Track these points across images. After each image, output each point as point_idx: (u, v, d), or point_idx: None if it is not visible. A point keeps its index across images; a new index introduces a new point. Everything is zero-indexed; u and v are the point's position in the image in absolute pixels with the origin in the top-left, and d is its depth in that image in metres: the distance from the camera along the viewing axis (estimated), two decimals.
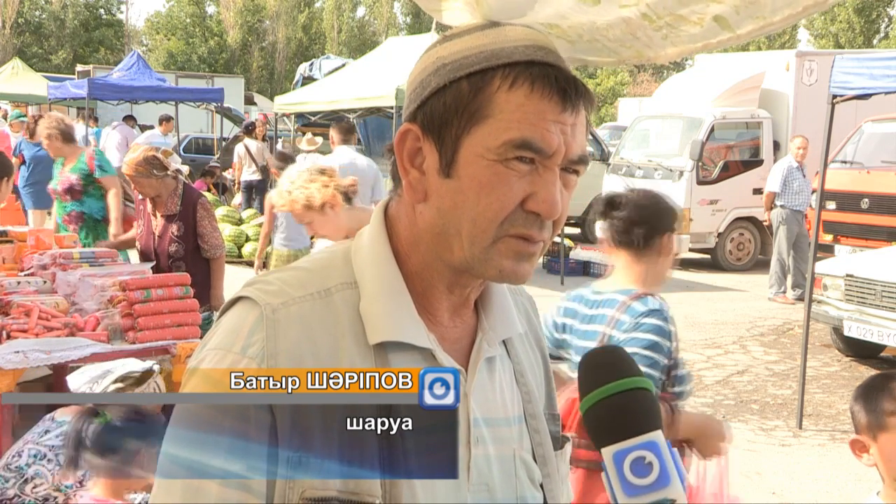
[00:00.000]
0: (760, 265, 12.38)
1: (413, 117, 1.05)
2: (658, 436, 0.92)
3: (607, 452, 0.93)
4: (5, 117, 25.98)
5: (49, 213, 11.06)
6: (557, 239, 10.61)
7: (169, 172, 5.16)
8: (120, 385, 3.45)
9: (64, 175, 6.35)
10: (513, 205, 1.00)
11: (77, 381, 3.48)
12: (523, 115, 1.00)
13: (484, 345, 1.11)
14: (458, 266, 1.05)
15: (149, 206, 5.22)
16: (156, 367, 3.67)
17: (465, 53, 1.03)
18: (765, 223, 11.52)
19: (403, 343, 1.05)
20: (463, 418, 1.06)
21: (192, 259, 5.17)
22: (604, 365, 0.99)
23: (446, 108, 1.02)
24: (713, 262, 12.75)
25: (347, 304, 1.05)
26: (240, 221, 12.70)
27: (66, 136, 6.43)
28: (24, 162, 11.04)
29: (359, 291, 1.06)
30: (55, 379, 5.21)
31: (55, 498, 3.04)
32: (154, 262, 5.12)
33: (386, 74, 11.08)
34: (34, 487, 3.05)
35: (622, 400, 0.95)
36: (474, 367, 1.10)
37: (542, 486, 1.14)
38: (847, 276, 7.33)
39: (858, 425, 2.17)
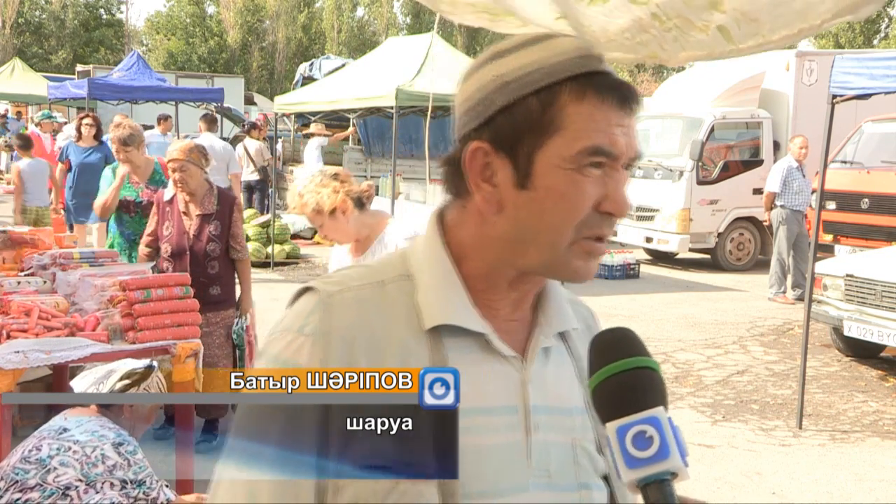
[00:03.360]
0: (760, 265, 12.38)
1: (478, 134, 1.10)
2: (660, 412, 0.95)
3: (611, 427, 0.96)
4: (14, 115, 26.01)
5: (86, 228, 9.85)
6: None
7: (206, 170, 5.14)
8: (126, 381, 3.49)
9: (139, 187, 5.81)
10: (588, 209, 1.06)
11: (82, 385, 3.50)
12: (593, 123, 1.06)
13: (541, 337, 1.15)
14: (530, 269, 1.11)
15: (180, 204, 5.14)
16: (155, 364, 3.71)
17: (527, 70, 1.08)
18: (765, 223, 11.52)
19: (458, 328, 1.09)
20: (521, 405, 1.10)
21: (223, 259, 5.18)
22: (612, 345, 1.02)
23: (517, 125, 1.07)
24: (713, 262, 12.75)
25: (402, 293, 1.11)
26: None
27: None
28: (70, 168, 9.71)
29: (413, 283, 1.12)
30: (55, 379, 5.22)
31: (77, 487, 3.07)
32: (165, 266, 5.09)
33: (386, 74, 11.07)
34: (56, 477, 3.08)
35: (627, 377, 0.98)
36: (532, 356, 1.13)
37: (607, 478, 1.16)
38: (847, 276, 7.34)
39: None
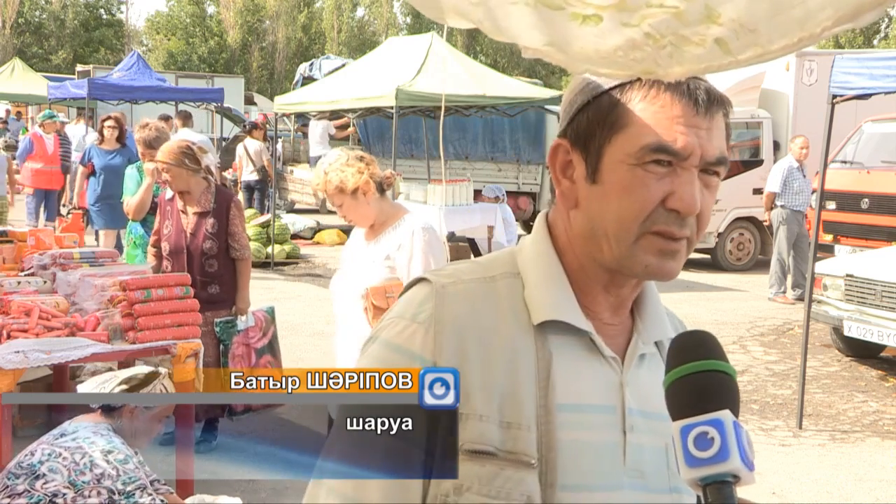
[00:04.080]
0: (760, 265, 12.37)
1: (564, 133, 1.16)
2: (725, 415, 0.96)
3: (676, 426, 0.97)
4: (14, 116, 25.96)
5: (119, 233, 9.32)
6: None
7: (202, 168, 5.08)
8: (125, 387, 3.48)
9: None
10: (652, 204, 1.08)
11: (86, 389, 3.51)
12: (658, 121, 1.09)
13: (639, 343, 1.18)
14: (608, 265, 1.13)
15: (178, 203, 5.16)
16: (162, 370, 3.70)
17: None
18: (765, 223, 11.51)
19: (564, 324, 1.12)
20: (619, 405, 1.13)
21: (222, 258, 5.14)
22: (689, 346, 1.02)
23: (590, 122, 1.13)
24: (713, 262, 12.76)
25: (510, 290, 1.15)
26: None
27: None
28: (93, 172, 9.18)
29: (521, 281, 1.15)
30: (55, 379, 5.22)
31: (64, 494, 3.07)
32: (173, 263, 5.08)
33: (386, 74, 11.06)
34: (45, 484, 3.07)
35: (698, 379, 0.99)
36: (630, 361, 1.16)
37: None
38: (847, 276, 7.33)
39: None
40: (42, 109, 20.76)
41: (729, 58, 1.04)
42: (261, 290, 10.34)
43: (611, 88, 1.12)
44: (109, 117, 9.47)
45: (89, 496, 3.09)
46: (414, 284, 1.17)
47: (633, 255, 1.10)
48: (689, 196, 1.08)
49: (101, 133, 9.39)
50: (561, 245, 1.17)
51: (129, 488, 3.15)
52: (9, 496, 3.06)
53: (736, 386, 1.00)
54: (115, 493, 3.11)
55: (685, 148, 1.08)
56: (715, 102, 1.10)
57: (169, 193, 5.25)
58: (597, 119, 1.12)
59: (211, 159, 5.23)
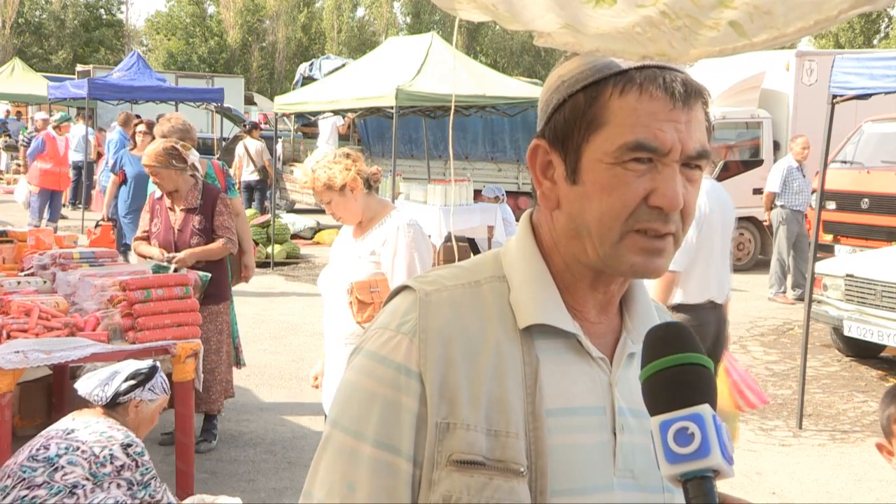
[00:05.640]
0: (760, 265, 12.37)
1: (542, 133, 1.14)
2: (705, 409, 0.94)
3: (655, 422, 0.96)
4: (14, 115, 25.92)
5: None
6: None
7: (188, 166, 5.10)
8: (132, 382, 3.52)
9: None
10: (634, 203, 1.06)
11: (87, 386, 3.52)
12: (636, 118, 1.06)
13: (628, 341, 1.17)
14: (594, 265, 1.11)
15: (167, 200, 5.22)
16: (157, 364, 3.74)
17: (582, 69, 1.11)
18: (765, 223, 11.50)
19: (550, 327, 1.10)
20: (608, 406, 1.12)
21: None
22: (664, 340, 1.01)
23: (566, 121, 1.10)
24: None
25: (495, 294, 1.13)
26: None
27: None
28: (125, 181, 8.29)
29: (507, 284, 1.14)
30: (55, 379, 5.22)
31: (84, 486, 3.10)
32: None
33: (386, 74, 11.06)
34: (64, 475, 3.11)
35: (675, 373, 0.97)
36: (619, 360, 1.15)
37: None
38: (847, 276, 7.33)
39: (884, 429, 2.20)
40: (43, 110, 20.77)
41: (744, 40, 1.02)
42: (261, 290, 10.34)
43: (586, 86, 1.09)
44: (142, 121, 8.69)
45: (108, 487, 3.14)
46: (398, 293, 1.15)
47: (618, 254, 1.08)
48: (671, 192, 1.05)
49: (133, 139, 8.61)
50: (546, 246, 1.15)
51: (146, 479, 3.25)
52: (27, 487, 3.09)
53: (714, 378, 0.99)
54: (133, 484, 3.21)
55: (664, 144, 1.05)
56: (693, 94, 1.07)
57: (158, 192, 5.30)
58: (573, 118, 1.09)
59: (195, 156, 5.25)
